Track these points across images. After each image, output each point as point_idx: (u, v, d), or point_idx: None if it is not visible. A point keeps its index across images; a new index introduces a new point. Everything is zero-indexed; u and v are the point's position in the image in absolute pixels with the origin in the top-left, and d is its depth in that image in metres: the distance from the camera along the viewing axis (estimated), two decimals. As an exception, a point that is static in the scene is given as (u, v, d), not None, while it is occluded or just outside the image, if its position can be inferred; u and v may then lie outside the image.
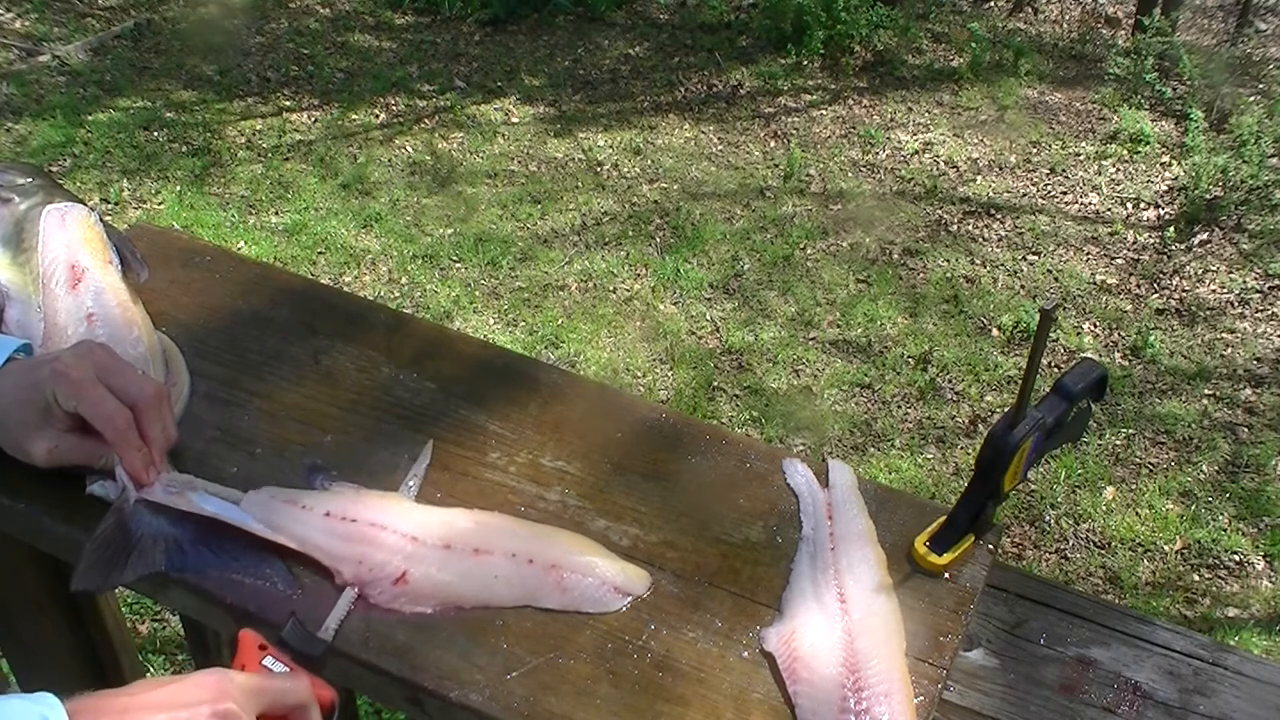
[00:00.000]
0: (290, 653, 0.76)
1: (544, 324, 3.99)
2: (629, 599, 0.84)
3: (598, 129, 5.32)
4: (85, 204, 1.12)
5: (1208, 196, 4.80)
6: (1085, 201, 4.98)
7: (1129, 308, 4.30)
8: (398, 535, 0.87)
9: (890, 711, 0.78)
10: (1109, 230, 4.78)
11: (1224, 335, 4.18)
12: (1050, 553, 3.25)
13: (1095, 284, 4.42)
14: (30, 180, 1.10)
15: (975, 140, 5.41)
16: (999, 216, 4.83)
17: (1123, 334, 4.16)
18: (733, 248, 4.50)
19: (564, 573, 0.84)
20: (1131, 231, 4.78)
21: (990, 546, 0.93)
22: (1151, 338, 4.05)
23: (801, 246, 4.53)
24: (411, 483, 0.93)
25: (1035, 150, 5.35)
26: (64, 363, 0.85)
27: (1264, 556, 3.26)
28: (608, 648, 0.83)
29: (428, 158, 4.99)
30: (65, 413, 0.85)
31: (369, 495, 0.92)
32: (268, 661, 0.72)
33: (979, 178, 5.11)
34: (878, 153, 5.25)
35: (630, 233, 4.56)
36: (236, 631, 0.74)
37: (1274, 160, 5.02)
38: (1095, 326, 4.20)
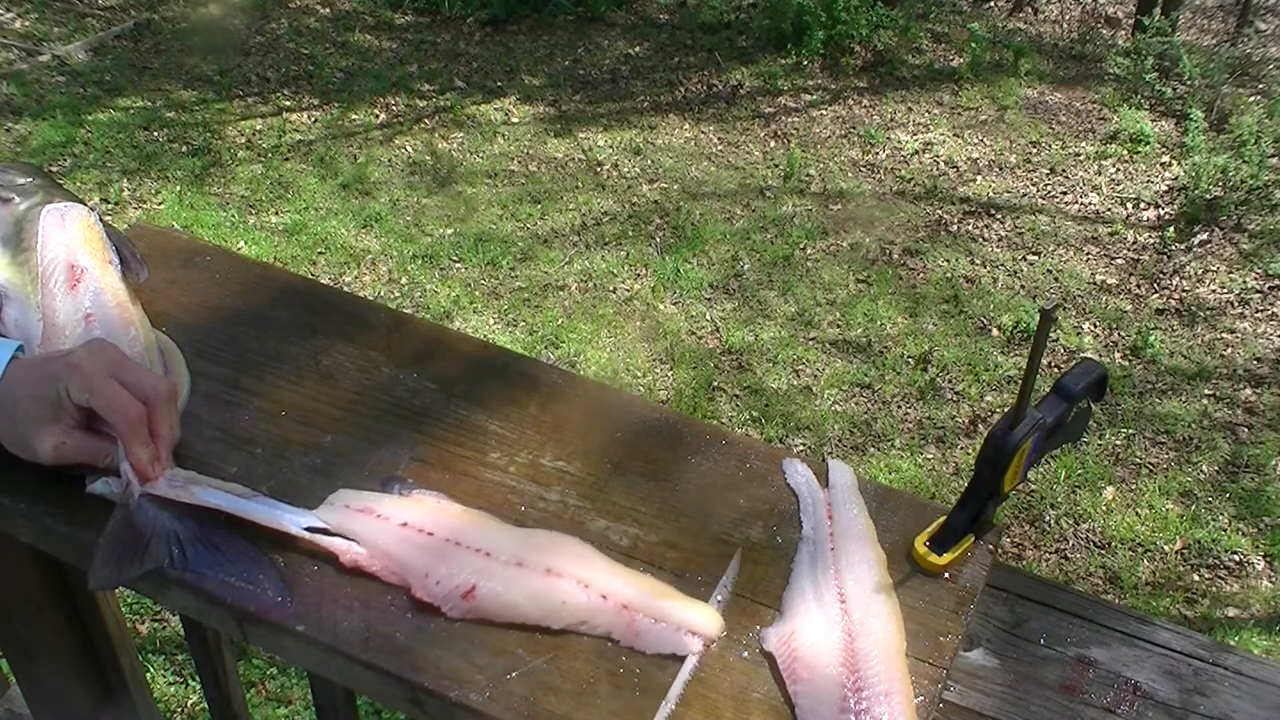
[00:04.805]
0: None
1: (544, 324, 3.99)
2: (702, 640, 0.83)
3: (598, 129, 5.32)
4: (85, 204, 1.12)
5: (1208, 196, 4.80)
6: (1085, 201, 4.98)
7: (1129, 308, 4.30)
8: (470, 550, 0.87)
9: (890, 711, 0.78)
10: (1109, 230, 4.78)
11: (1224, 335, 4.18)
12: (1050, 553, 3.25)
13: (1095, 284, 4.42)
14: (30, 180, 1.10)
15: (975, 140, 5.41)
16: (999, 216, 4.83)
17: (1123, 334, 4.16)
18: (733, 248, 4.50)
19: (636, 615, 0.83)
20: (1131, 231, 4.77)
21: (990, 546, 0.93)
22: (1151, 338, 4.05)
23: (801, 246, 4.53)
24: (720, 596, 0.88)
25: (1035, 150, 5.35)
26: (77, 357, 0.86)
27: (1264, 556, 3.26)
28: (608, 648, 0.83)
29: (428, 158, 4.99)
30: (75, 408, 0.85)
31: (450, 507, 0.91)
32: None
33: (979, 178, 5.11)
34: (878, 153, 5.25)
35: (630, 233, 4.56)
36: (238, 632, 0.73)
37: (1274, 160, 5.02)
38: (1095, 326, 4.20)
